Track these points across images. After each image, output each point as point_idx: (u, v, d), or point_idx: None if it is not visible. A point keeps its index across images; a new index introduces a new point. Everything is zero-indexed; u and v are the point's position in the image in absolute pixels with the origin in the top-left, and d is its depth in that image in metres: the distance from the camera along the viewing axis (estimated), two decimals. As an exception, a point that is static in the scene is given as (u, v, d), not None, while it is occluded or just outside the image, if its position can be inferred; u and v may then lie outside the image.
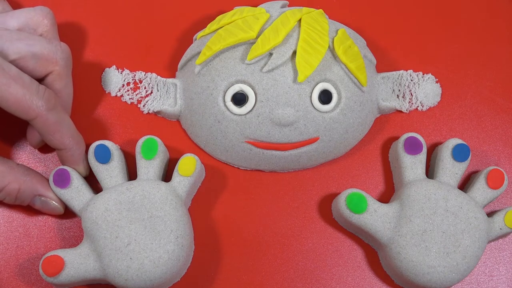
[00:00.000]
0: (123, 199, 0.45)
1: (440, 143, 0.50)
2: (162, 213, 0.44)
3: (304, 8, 0.49)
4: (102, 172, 0.46)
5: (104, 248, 0.44)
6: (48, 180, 0.46)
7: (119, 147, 0.48)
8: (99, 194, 0.46)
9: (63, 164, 0.47)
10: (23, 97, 0.42)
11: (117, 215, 0.44)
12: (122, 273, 0.43)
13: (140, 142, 0.47)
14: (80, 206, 0.46)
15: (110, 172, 0.46)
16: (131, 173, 0.48)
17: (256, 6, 0.50)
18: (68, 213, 0.48)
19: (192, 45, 0.50)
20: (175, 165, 0.47)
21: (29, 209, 0.48)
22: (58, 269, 0.44)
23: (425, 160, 0.48)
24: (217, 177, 0.49)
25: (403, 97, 0.51)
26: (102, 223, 0.44)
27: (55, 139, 0.44)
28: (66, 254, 0.44)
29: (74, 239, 0.48)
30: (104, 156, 0.46)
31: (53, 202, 0.46)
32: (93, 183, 0.48)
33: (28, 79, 0.43)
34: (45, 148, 0.48)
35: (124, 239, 0.44)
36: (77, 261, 0.44)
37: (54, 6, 0.51)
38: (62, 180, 0.46)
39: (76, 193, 0.46)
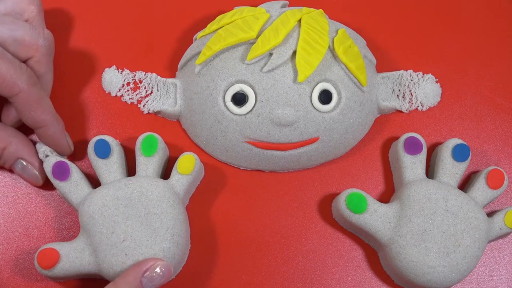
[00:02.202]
0: (120, 194, 0.45)
1: (440, 143, 0.50)
2: (159, 211, 0.44)
3: (304, 8, 0.49)
4: (101, 167, 0.46)
5: (100, 243, 0.44)
6: (34, 146, 0.46)
7: (119, 142, 0.48)
8: (97, 189, 0.46)
9: (45, 143, 0.46)
10: (8, 72, 0.42)
11: (114, 210, 0.44)
12: (116, 268, 0.43)
13: (140, 138, 0.47)
14: (78, 200, 0.46)
15: (109, 168, 0.46)
16: (131, 170, 0.48)
17: (256, 6, 0.50)
18: (68, 213, 0.48)
19: (192, 45, 0.50)
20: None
21: (29, 209, 0.48)
22: (53, 262, 0.44)
23: (425, 160, 0.48)
24: (216, 176, 0.49)
25: (403, 97, 0.51)
26: (98, 218, 0.44)
27: (36, 116, 0.44)
28: (62, 248, 0.44)
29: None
30: (104, 151, 0.46)
31: (34, 169, 0.46)
32: (92, 178, 0.48)
33: (11, 56, 0.43)
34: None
35: (120, 234, 0.44)
36: (72, 255, 0.44)
37: (54, 7, 0.51)
38: (62, 172, 0.46)
39: (75, 186, 0.46)
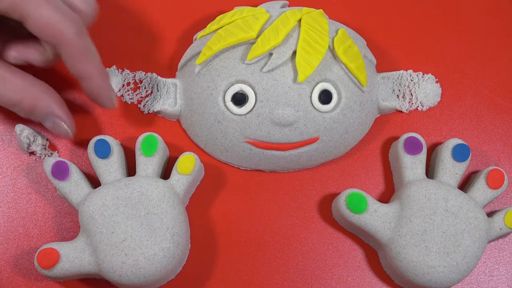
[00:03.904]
0: (120, 194, 0.45)
1: (440, 143, 0.50)
2: (159, 210, 0.45)
3: (304, 8, 0.49)
4: (101, 167, 0.46)
5: (100, 243, 0.44)
6: (63, 102, 0.45)
7: (119, 142, 0.48)
8: (97, 188, 0.46)
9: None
10: (56, 22, 0.40)
11: (114, 210, 0.44)
12: (116, 268, 0.43)
13: (140, 138, 0.47)
14: (78, 200, 0.46)
15: (109, 167, 0.46)
16: (131, 170, 0.48)
17: (256, 6, 0.50)
18: (68, 213, 0.48)
19: (192, 45, 0.50)
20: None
21: (29, 209, 0.48)
22: (53, 262, 0.44)
23: (425, 160, 0.48)
24: (216, 176, 0.49)
25: (403, 97, 0.51)
26: (98, 218, 0.44)
27: (81, 67, 0.43)
28: (62, 247, 0.44)
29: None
30: (104, 151, 0.46)
31: (64, 125, 0.45)
32: (92, 178, 0.48)
33: (60, 3, 0.41)
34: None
35: (120, 234, 0.44)
36: (72, 255, 0.44)
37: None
38: (61, 172, 0.46)
39: (75, 186, 0.46)
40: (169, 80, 0.50)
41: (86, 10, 0.44)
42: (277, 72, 0.47)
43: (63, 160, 0.46)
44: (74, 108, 0.50)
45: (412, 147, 0.48)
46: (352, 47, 0.48)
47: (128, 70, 0.50)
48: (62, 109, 0.45)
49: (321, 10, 0.50)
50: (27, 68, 0.45)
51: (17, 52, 0.44)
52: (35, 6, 0.40)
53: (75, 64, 0.43)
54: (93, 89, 0.45)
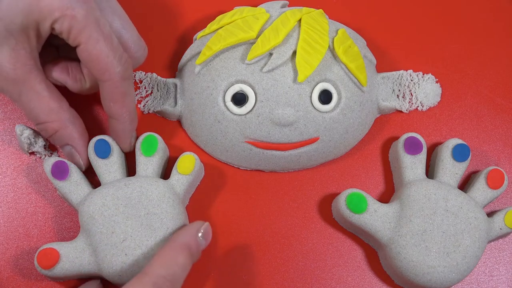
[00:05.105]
0: (120, 194, 0.45)
1: (440, 143, 0.50)
2: (159, 210, 0.45)
3: (304, 8, 0.49)
4: (101, 167, 0.46)
5: (100, 243, 0.44)
6: (87, 136, 0.46)
7: None
8: (97, 188, 0.46)
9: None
10: (105, 57, 0.42)
11: (114, 210, 0.44)
12: (116, 268, 0.43)
13: (140, 138, 0.47)
14: (78, 200, 0.46)
15: (109, 167, 0.46)
16: (131, 169, 0.48)
17: (256, 6, 0.50)
18: (68, 213, 0.48)
19: (192, 45, 0.50)
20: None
21: (29, 209, 0.48)
22: (53, 262, 0.44)
23: (425, 160, 0.48)
24: (216, 176, 0.49)
25: (403, 97, 0.51)
26: (98, 218, 0.44)
27: (114, 108, 0.44)
28: (62, 247, 0.44)
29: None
30: (104, 151, 0.46)
31: (79, 158, 0.46)
32: (92, 177, 0.48)
33: (116, 42, 0.43)
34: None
35: (120, 234, 0.44)
36: (72, 255, 0.44)
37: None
38: (61, 172, 0.46)
39: (75, 186, 0.46)
40: (169, 80, 0.50)
41: (137, 54, 0.46)
42: (277, 72, 0.47)
43: (63, 160, 0.46)
44: (75, 108, 0.50)
45: (412, 147, 0.48)
46: (352, 47, 0.48)
47: (128, 70, 0.50)
48: (82, 142, 0.46)
49: (321, 10, 0.50)
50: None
51: (57, 73, 0.46)
52: (92, 37, 0.41)
53: (111, 103, 0.44)
54: (119, 131, 0.46)
